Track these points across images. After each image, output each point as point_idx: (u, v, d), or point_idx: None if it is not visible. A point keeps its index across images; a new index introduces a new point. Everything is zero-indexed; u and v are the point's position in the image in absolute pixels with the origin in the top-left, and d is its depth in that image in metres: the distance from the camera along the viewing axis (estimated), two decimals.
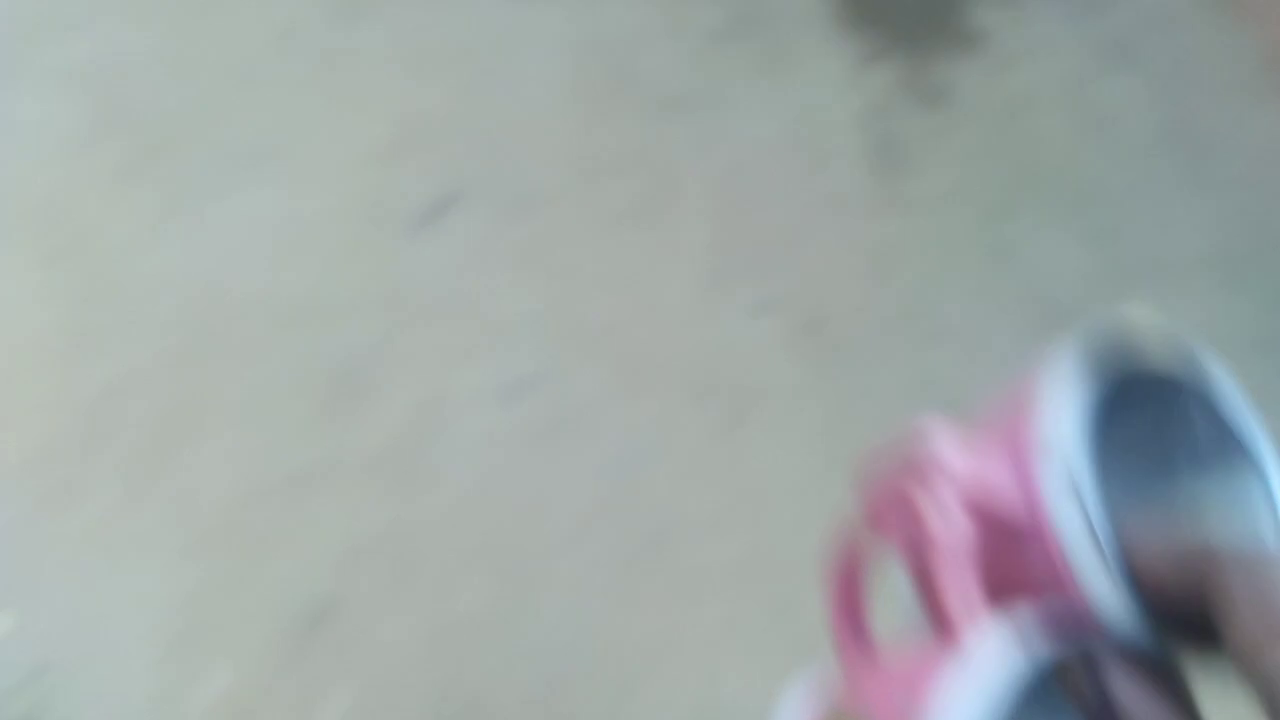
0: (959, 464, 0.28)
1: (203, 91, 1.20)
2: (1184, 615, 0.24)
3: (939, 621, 0.27)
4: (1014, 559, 0.27)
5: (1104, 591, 0.25)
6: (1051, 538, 0.26)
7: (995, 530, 0.27)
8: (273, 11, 1.29)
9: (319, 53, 1.27)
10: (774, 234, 1.20)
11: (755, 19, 1.37)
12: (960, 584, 0.27)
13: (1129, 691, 0.23)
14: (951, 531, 0.28)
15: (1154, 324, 0.28)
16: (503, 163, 1.21)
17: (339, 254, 1.13)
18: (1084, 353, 0.27)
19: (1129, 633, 0.24)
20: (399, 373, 1.06)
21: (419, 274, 1.14)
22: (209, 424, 0.99)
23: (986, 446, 0.28)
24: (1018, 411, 0.28)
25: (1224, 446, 0.28)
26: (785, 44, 1.36)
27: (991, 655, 0.23)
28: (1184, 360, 0.28)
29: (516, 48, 1.31)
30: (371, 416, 1.02)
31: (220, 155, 1.15)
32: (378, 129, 1.21)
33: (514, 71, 1.28)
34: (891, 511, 0.30)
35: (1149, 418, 0.28)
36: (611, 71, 1.31)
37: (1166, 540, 0.25)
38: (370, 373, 1.04)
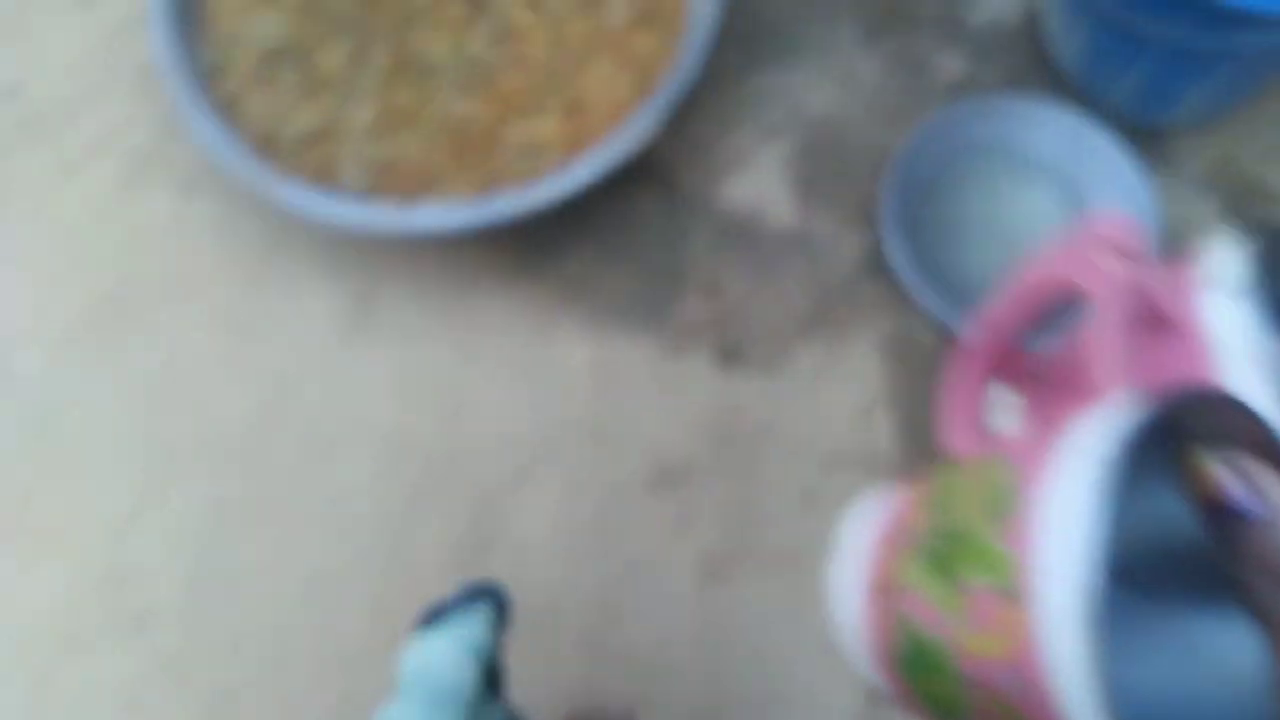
0: (1131, 244, 0.32)
1: None
2: None
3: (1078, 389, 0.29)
4: (1156, 352, 0.30)
5: (1253, 386, 0.27)
6: (1199, 333, 0.29)
7: (1144, 321, 0.30)
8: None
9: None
10: None
11: None
12: (1111, 342, 0.30)
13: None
14: (1116, 283, 0.31)
15: None
16: None
17: None
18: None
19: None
20: None
21: None
22: None
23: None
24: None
25: None
26: None
27: (1130, 405, 0.22)
28: None
29: None
30: None
31: None
32: None
33: None
34: (1057, 280, 0.33)
35: None
36: None
37: None
38: None
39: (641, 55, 1.01)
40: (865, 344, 1.04)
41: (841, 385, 1.03)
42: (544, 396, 1.03)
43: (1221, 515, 0.20)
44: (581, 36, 1.02)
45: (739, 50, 1.14)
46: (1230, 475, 0.21)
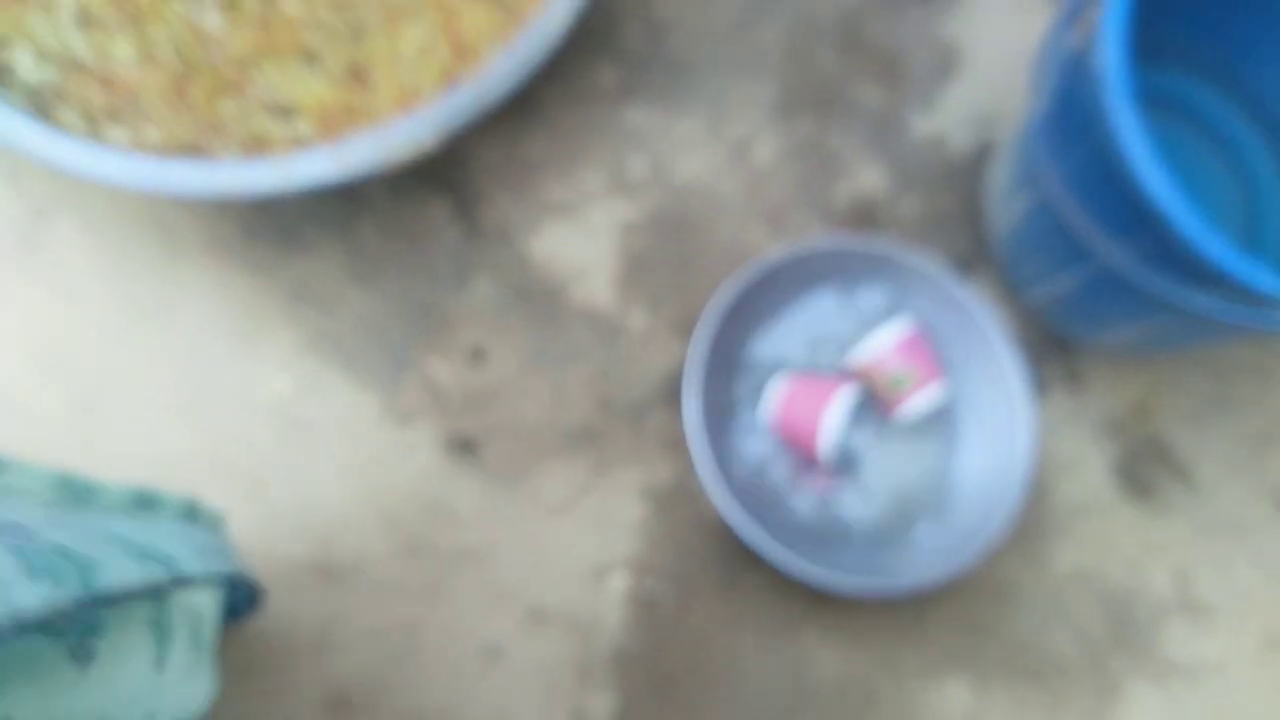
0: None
1: None
2: None
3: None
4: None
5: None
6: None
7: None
8: None
9: None
10: None
11: None
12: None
13: None
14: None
15: None
16: None
17: None
18: None
19: None
20: None
21: None
22: None
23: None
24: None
25: None
26: None
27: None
28: None
29: None
30: None
31: None
32: None
33: None
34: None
35: None
36: None
37: None
38: None
39: (467, 33, 0.75)
40: (632, 487, 0.80)
41: (587, 529, 0.80)
42: (212, 421, 0.78)
43: None
44: None
45: (621, 68, 0.88)
46: None
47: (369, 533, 0.78)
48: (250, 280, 0.80)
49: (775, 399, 0.76)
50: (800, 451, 0.77)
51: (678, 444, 0.79)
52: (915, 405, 0.78)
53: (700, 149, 0.87)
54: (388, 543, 0.78)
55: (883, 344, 0.77)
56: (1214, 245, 0.59)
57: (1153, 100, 0.83)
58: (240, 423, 0.78)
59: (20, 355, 0.77)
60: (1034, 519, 0.82)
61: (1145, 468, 0.87)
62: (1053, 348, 0.86)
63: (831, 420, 0.75)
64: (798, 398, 0.76)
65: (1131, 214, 0.62)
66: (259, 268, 0.80)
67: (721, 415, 0.78)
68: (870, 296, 0.81)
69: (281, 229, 0.81)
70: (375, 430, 0.79)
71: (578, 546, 0.79)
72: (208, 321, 0.79)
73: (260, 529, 0.77)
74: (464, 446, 0.80)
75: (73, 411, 0.77)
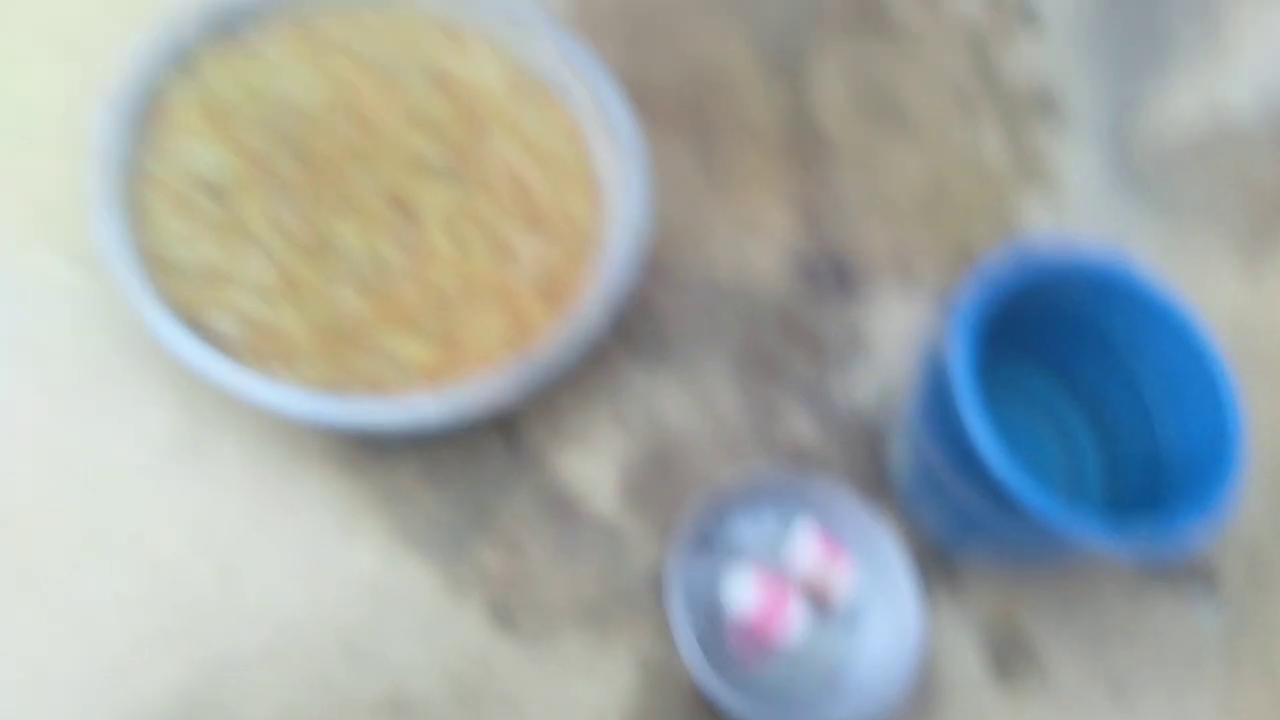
0: None
1: None
2: None
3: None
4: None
5: None
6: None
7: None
8: None
9: None
10: None
11: None
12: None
13: None
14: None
15: None
16: None
17: None
18: None
19: None
20: None
21: None
22: None
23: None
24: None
25: None
26: None
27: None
28: None
29: None
30: None
31: None
32: None
33: None
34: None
35: None
36: None
37: None
38: None
39: (529, 320, 1.08)
40: (628, 654, 1.09)
41: (591, 685, 1.07)
42: (317, 589, 1.05)
43: None
44: (485, 281, 1.09)
45: (623, 340, 1.22)
46: None
47: (430, 679, 1.05)
48: (352, 482, 1.09)
49: (747, 595, 1.05)
50: (757, 636, 1.06)
51: (663, 619, 1.09)
52: (841, 585, 1.08)
53: (679, 401, 1.21)
54: (444, 687, 1.04)
55: (803, 550, 1.08)
56: (1033, 498, 0.92)
57: (1002, 385, 1.19)
58: (341, 591, 1.05)
59: (183, 535, 1.05)
60: (923, 690, 1.12)
61: (1009, 656, 1.18)
62: (938, 561, 1.17)
63: (797, 623, 1.03)
64: (768, 599, 1.04)
65: (978, 473, 0.95)
66: (358, 472, 1.10)
67: (696, 598, 1.07)
68: (800, 515, 1.13)
69: (376, 444, 1.11)
70: (439, 600, 1.07)
71: (586, 696, 1.07)
72: (321, 511, 1.08)
73: (350, 671, 1.03)
74: (504, 616, 1.08)
75: (220, 578, 1.04)
